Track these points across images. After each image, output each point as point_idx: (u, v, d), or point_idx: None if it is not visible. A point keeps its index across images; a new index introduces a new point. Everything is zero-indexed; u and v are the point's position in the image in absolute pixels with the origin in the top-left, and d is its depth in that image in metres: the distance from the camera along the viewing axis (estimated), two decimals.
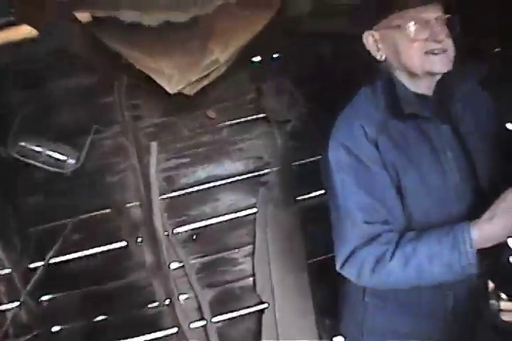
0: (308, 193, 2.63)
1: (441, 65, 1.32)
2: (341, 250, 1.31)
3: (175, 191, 2.63)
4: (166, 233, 2.60)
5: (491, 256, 1.32)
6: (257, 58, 2.65)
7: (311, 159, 2.59)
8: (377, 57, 1.43)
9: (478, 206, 1.31)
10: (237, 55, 2.38)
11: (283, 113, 2.61)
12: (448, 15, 1.33)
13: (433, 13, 1.31)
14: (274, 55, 2.68)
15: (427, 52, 1.32)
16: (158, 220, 2.57)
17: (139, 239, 2.60)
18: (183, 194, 2.64)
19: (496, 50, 2.88)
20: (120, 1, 1.89)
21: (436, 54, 1.31)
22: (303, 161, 2.67)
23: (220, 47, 2.23)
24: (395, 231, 1.30)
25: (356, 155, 1.33)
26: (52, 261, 2.49)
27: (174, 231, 2.63)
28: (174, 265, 2.64)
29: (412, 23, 1.30)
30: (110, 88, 2.54)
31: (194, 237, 2.66)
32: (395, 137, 1.35)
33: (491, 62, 2.92)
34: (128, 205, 2.60)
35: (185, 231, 2.66)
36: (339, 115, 1.45)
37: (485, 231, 1.17)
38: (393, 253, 1.22)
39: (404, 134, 1.36)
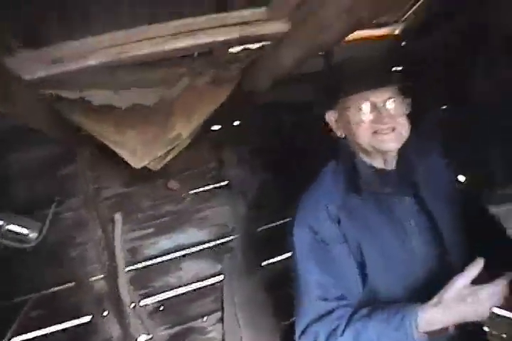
0: (273, 257, 2.67)
1: (389, 143, 1.39)
2: (299, 323, 1.38)
3: (139, 262, 2.63)
4: (132, 305, 2.57)
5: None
6: (217, 127, 2.74)
7: (273, 224, 2.66)
8: (338, 135, 1.52)
9: (445, 274, 1.35)
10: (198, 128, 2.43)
11: (244, 181, 2.68)
12: (393, 99, 1.40)
13: (380, 97, 1.39)
14: (235, 123, 2.78)
15: (375, 132, 1.40)
16: (125, 292, 2.55)
17: (105, 313, 2.56)
18: (147, 265, 2.64)
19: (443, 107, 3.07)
20: (89, 83, 1.90)
21: (384, 133, 1.39)
22: (265, 227, 2.72)
23: (182, 122, 2.28)
24: (351, 305, 1.35)
25: (319, 236, 1.40)
26: (14, 339, 2.45)
27: (141, 303, 2.61)
28: (142, 338, 2.60)
29: (359, 105, 1.39)
30: (72, 159, 2.56)
31: (161, 308, 2.65)
32: (356, 213, 1.42)
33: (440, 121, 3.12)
34: (92, 278, 2.56)
35: (152, 302, 2.64)
36: (305, 193, 1.52)
37: (431, 316, 1.21)
38: (344, 329, 1.27)
39: (365, 209, 1.43)
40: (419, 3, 2.82)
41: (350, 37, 2.78)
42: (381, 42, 3.00)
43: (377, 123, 1.39)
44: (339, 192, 1.45)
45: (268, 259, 2.73)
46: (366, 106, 1.39)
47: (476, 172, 2.95)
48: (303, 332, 1.37)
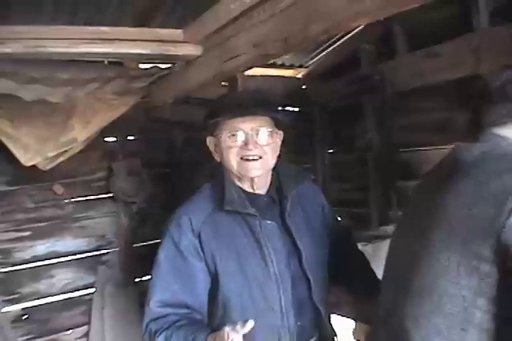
0: (148, 275, 2.89)
1: (254, 170, 1.58)
2: (143, 320, 1.59)
3: (10, 265, 2.66)
4: None
5: None
6: (112, 138, 2.93)
7: (153, 241, 2.80)
8: (216, 158, 1.72)
9: (300, 292, 1.62)
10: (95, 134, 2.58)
11: (130, 194, 2.85)
12: (264, 129, 1.60)
13: (250, 126, 1.59)
14: (129, 137, 3.00)
15: (242, 158, 1.59)
16: None
17: None
18: (18, 269, 2.69)
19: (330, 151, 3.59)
20: None
21: (249, 160, 1.58)
22: (144, 243, 2.91)
23: (80, 126, 2.43)
24: (196, 314, 1.57)
25: (177, 247, 1.60)
26: None
27: (4, 309, 2.63)
28: None
29: (231, 132, 1.60)
30: None
31: (25, 317, 2.69)
32: (218, 229, 1.62)
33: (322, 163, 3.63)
34: None
35: (16, 309, 2.69)
36: (178, 208, 1.70)
37: None
38: (161, 333, 1.51)
39: (229, 227, 1.63)
40: (324, 53, 3.38)
41: (257, 72, 3.27)
42: (282, 81, 3.50)
43: (245, 150, 1.59)
44: (206, 209, 1.65)
45: (142, 276, 2.90)
46: (238, 134, 1.60)
47: (354, 213, 3.46)
48: (145, 329, 1.57)
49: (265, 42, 1.64)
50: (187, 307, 1.57)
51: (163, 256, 1.63)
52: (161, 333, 1.51)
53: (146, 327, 1.56)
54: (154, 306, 1.56)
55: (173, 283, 1.58)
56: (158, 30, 2.02)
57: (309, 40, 1.53)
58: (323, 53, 3.30)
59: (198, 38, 2.01)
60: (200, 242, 1.60)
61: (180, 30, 2.03)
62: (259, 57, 1.74)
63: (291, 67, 3.48)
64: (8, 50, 1.71)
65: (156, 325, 1.53)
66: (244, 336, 1.31)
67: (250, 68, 2.06)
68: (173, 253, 1.61)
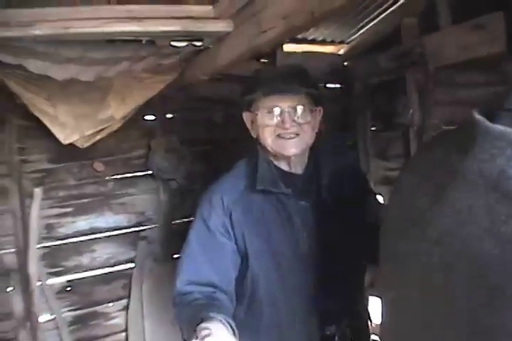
0: None
1: (290, 148, 1.55)
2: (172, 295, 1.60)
3: (54, 240, 2.77)
4: (39, 283, 2.69)
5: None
6: (151, 117, 2.98)
7: (192, 218, 2.88)
8: (252, 135, 1.69)
9: (325, 276, 1.57)
10: (132, 112, 2.62)
11: (169, 171, 2.89)
12: (301, 106, 1.55)
13: (288, 103, 1.53)
14: (168, 115, 3.03)
15: (278, 136, 1.55)
16: (34, 268, 2.66)
17: (10, 288, 2.67)
18: (61, 243, 2.79)
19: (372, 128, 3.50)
20: (30, 52, 1.99)
21: (286, 138, 1.55)
22: (184, 220, 2.94)
23: (116, 104, 2.46)
24: (221, 293, 1.53)
25: (207, 225, 1.59)
26: None
27: (48, 281, 2.75)
28: (44, 317, 2.74)
29: (268, 109, 1.56)
30: (0, 127, 2.65)
31: (68, 289, 2.80)
32: (249, 208, 1.60)
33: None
34: (2, 251, 2.67)
35: (60, 282, 2.80)
36: (212, 184, 1.70)
37: None
38: (177, 307, 1.53)
39: (259, 206, 1.61)
40: (366, 28, 3.29)
41: (297, 49, 3.23)
42: (323, 57, 3.43)
43: (282, 128, 1.55)
44: (239, 187, 1.63)
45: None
46: (274, 111, 1.56)
47: None
48: (173, 303, 1.58)
49: (292, 15, 1.59)
50: (213, 285, 1.56)
51: (193, 233, 1.64)
52: (177, 308, 1.54)
53: (174, 301, 1.58)
54: (181, 284, 1.58)
55: (201, 261, 1.59)
56: (188, 6, 2.01)
57: (335, 12, 1.46)
58: (365, 29, 3.20)
59: (229, 13, 1.98)
60: (231, 221, 1.60)
61: (210, 7, 2.01)
62: (287, 30, 1.67)
63: (332, 43, 3.40)
64: (37, 32, 1.73)
65: (179, 301, 1.55)
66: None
67: (282, 42, 2.01)
68: (202, 231, 1.61)
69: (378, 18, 3.05)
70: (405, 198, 0.88)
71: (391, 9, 2.93)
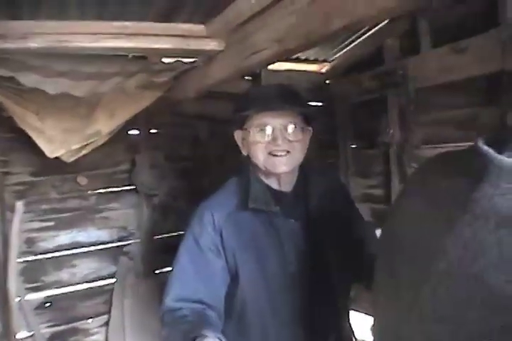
0: (168, 266, 2.91)
1: (281, 165, 1.55)
2: (160, 311, 1.57)
3: (34, 254, 2.73)
4: (18, 298, 2.63)
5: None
6: (135, 132, 2.97)
7: (175, 233, 2.88)
8: (243, 153, 1.68)
9: (319, 292, 1.57)
10: (119, 127, 2.63)
11: (152, 186, 2.88)
12: (293, 124, 1.55)
13: (280, 121, 1.54)
14: (152, 131, 3.03)
15: (269, 153, 1.55)
16: (13, 283, 2.56)
17: None
18: (42, 258, 2.75)
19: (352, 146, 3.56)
20: (24, 65, 1.99)
21: (277, 156, 1.54)
22: (165, 235, 2.94)
23: (104, 119, 2.46)
24: (211, 310, 1.52)
25: (198, 242, 1.58)
26: None
27: (27, 297, 2.69)
28: (22, 334, 2.67)
29: (260, 127, 1.56)
30: None
31: (48, 305, 2.76)
32: (240, 227, 1.60)
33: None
34: None
35: (39, 297, 2.75)
36: (203, 202, 1.68)
37: None
38: (166, 325, 1.51)
39: (251, 225, 1.60)
40: (349, 47, 3.34)
41: (281, 67, 3.26)
42: (306, 76, 3.47)
43: (273, 145, 1.55)
44: (230, 206, 1.62)
45: (162, 268, 2.94)
46: (266, 129, 1.56)
47: (376, 209, 3.43)
48: (161, 320, 1.56)
49: (287, 38, 1.63)
50: (202, 302, 1.55)
51: (183, 249, 1.62)
52: (166, 327, 1.52)
53: (162, 318, 1.56)
54: (170, 300, 1.57)
55: (191, 278, 1.58)
56: (181, 25, 2.04)
57: (330, 36, 1.50)
58: (347, 48, 3.26)
59: (221, 33, 2.02)
60: (222, 239, 1.59)
61: (202, 26, 2.05)
62: (280, 52, 1.73)
63: (315, 61, 3.45)
64: (32, 45, 1.74)
65: (167, 318, 1.54)
66: None
67: (273, 63, 2.04)
68: (192, 248, 1.60)
69: (361, 38, 3.10)
70: (411, 223, 0.89)
71: (374, 30, 2.98)
